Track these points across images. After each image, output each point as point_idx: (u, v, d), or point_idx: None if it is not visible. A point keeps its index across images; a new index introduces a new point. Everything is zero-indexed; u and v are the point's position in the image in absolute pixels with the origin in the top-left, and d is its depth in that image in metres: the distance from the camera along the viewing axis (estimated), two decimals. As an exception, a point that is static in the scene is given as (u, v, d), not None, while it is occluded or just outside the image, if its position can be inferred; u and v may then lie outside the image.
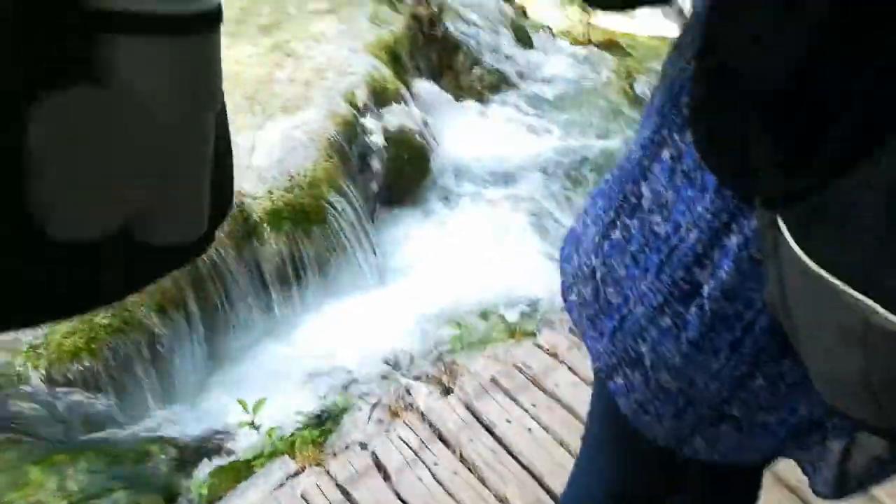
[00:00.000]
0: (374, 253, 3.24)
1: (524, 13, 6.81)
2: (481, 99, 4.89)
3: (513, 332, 2.90)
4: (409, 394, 1.84)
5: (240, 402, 1.88)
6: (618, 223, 0.63)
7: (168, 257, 0.34)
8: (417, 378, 1.89)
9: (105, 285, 0.33)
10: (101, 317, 2.17)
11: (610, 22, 7.87)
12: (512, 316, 3.11)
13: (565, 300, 0.72)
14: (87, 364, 2.07)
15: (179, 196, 0.32)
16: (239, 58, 3.63)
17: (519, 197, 3.96)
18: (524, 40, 5.74)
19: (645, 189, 0.61)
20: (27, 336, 2.06)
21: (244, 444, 2.02)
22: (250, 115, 3.22)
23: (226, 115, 0.37)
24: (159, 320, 2.32)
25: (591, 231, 0.67)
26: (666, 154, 0.59)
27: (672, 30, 7.34)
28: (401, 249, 3.42)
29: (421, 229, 3.57)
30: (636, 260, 0.61)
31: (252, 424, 1.88)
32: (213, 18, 0.32)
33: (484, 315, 3.05)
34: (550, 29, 6.89)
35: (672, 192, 0.58)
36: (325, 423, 1.97)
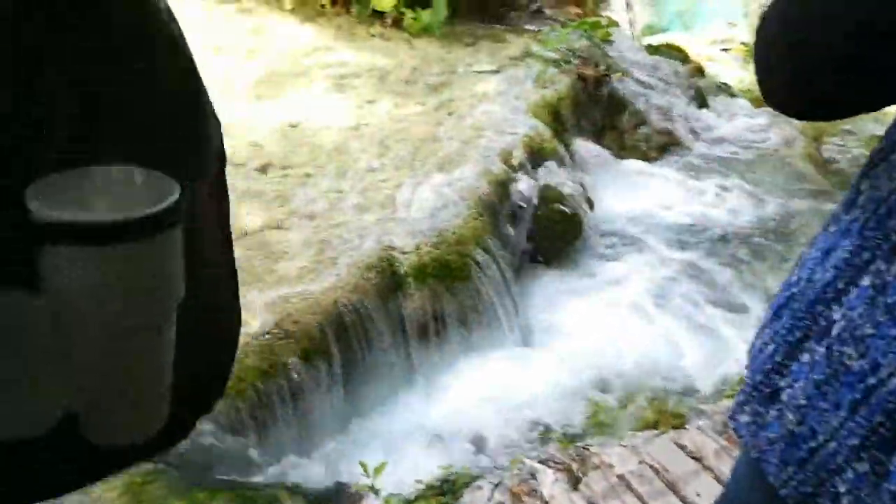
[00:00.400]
0: (517, 313, 3.17)
1: (701, 72, 6.52)
2: (646, 159, 4.71)
3: (660, 412, 2.68)
4: (534, 478, 1.73)
5: (361, 464, 1.88)
6: (804, 346, 0.59)
7: (121, 455, 0.32)
8: (545, 462, 1.78)
9: (45, 482, 0.31)
10: (251, 358, 2.30)
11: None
12: (660, 396, 2.88)
13: (733, 417, 0.68)
14: (233, 403, 2.20)
15: (121, 397, 0.30)
16: (405, 116, 3.80)
17: (680, 264, 3.71)
18: (699, 99, 5.47)
19: (837, 315, 0.56)
20: (186, 370, 2.23)
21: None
22: (410, 172, 3.33)
23: (218, 295, 0.34)
24: (303, 366, 2.41)
25: (771, 348, 0.63)
26: (866, 281, 0.54)
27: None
28: (546, 311, 3.32)
29: (570, 291, 3.45)
30: (821, 391, 0.57)
31: (372, 488, 1.88)
32: (160, 222, 0.30)
33: (629, 392, 2.85)
34: (729, 87, 6.54)
35: (870, 325, 0.53)
36: (445, 493, 1.91)
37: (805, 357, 0.59)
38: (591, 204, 3.79)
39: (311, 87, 4.00)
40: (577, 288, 3.45)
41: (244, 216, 2.90)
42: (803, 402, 0.58)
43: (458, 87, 4.19)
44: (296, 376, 2.38)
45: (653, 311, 3.32)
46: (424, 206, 3.10)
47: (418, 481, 2.07)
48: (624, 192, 4.22)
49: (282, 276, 2.60)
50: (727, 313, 3.32)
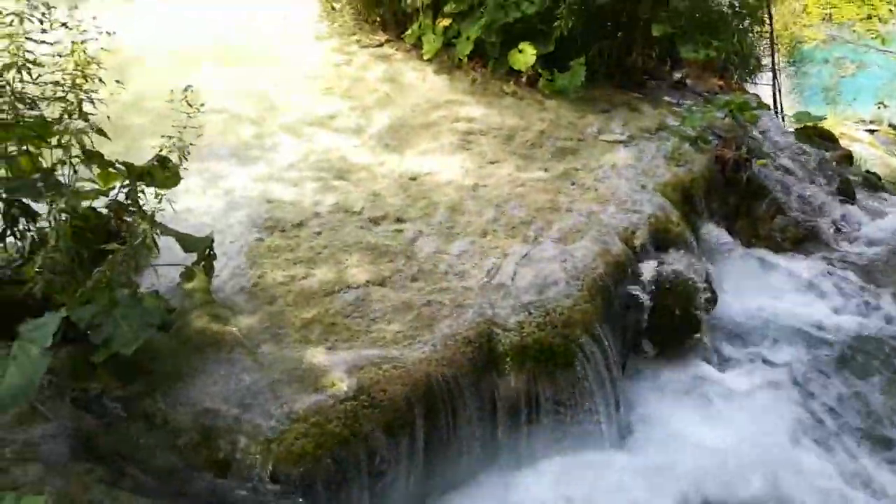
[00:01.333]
0: (618, 410, 2.93)
1: (849, 160, 6.03)
2: (780, 252, 4.34)
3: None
4: None
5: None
6: None
7: None
8: None
9: None
10: (334, 423, 2.22)
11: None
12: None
13: None
14: (308, 471, 2.12)
15: None
16: (526, 180, 3.68)
17: (810, 380, 3.32)
18: (845, 192, 5.02)
19: None
20: (269, 425, 2.18)
21: None
22: (523, 241, 3.20)
23: None
24: (385, 439, 2.30)
25: None
26: None
27: None
28: (652, 412, 3.05)
29: (679, 393, 3.16)
30: None
31: None
32: None
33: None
34: (878, 178, 6.00)
35: None
36: None
37: None
38: (714, 298, 3.50)
39: (437, 141, 3.98)
40: (688, 390, 3.16)
41: (351, 268, 2.88)
42: None
43: (584, 155, 4.04)
44: (376, 449, 2.28)
45: (772, 431, 2.97)
46: (534, 280, 2.95)
47: None
48: (751, 287, 3.87)
49: (376, 338, 2.53)
50: (863, 448, 2.92)
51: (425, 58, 4.90)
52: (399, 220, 3.27)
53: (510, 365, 2.65)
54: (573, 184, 3.72)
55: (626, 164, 3.97)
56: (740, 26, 5.11)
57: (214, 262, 2.67)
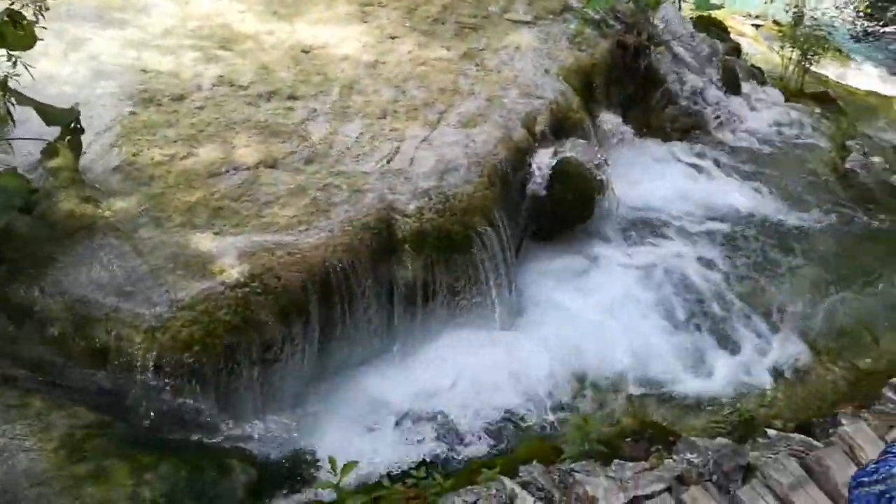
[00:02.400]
0: (511, 292, 3.01)
1: (738, 52, 6.19)
2: (668, 141, 4.47)
3: (643, 423, 2.57)
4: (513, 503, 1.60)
5: (330, 460, 1.74)
6: None
7: None
8: (526, 485, 1.65)
9: None
10: (224, 311, 2.13)
11: (828, 71, 6.99)
12: (645, 405, 2.74)
13: None
14: (197, 358, 2.04)
15: None
16: (428, 59, 3.51)
17: (687, 259, 3.53)
18: (731, 84, 5.18)
19: None
20: (151, 312, 2.06)
21: (324, 497, 1.89)
22: (424, 124, 3.09)
23: None
24: (278, 324, 2.24)
25: None
26: None
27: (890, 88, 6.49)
28: (542, 293, 3.16)
29: (570, 275, 3.27)
30: None
31: (336, 487, 1.74)
32: None
33: (613, 393, 2.72)
34: (762, 72, 6.22)
35: None
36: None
37: None
38: (607, 184, 3.57)
39: (332, 10, 3.68)
40: (578, 272, 3.28)
41: (238, 147, 2.68)
42: None
43: (488, 35, 3.88)
44: (269, 335, 2.22)
45: (653, 308, 3.16)
46: (435, 165, 2.88)
47: (384, 475, 1.94)
48: (641, 174, 3.99)
49: (269, 223, 2.40)
50: (729, 322, 3.17)
51: (319, -86, 4.43)
52: (291, 98, 3.05)
53: (408, 251, 2.62)
54: (476, 65, 3.59)
55: (529, 47, 3.86)
56: None
57: (82, 138, 2.38)
